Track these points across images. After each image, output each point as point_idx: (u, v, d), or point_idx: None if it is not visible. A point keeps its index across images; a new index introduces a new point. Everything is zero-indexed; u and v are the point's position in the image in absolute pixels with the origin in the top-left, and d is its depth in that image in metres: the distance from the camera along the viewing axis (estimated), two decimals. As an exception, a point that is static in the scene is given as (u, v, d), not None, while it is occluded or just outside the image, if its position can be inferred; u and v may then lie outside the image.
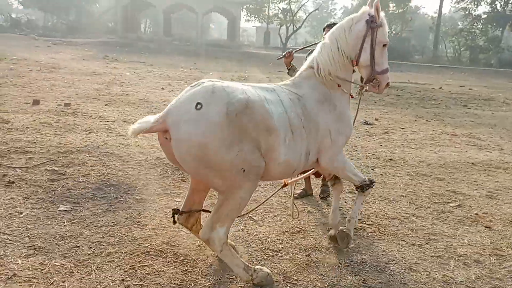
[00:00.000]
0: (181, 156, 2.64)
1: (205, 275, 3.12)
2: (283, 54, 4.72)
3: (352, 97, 3.42)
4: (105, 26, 47.93)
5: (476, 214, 4.63)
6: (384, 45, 3.22)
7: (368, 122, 9.63)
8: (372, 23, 3.16)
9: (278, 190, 4.20)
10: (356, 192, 3.60)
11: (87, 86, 11.50)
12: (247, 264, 2.95)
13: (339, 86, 3.28)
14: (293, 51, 4.73)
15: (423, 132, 9.06)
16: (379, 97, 14.12)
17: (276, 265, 3.33)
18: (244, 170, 2.63)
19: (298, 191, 4.91)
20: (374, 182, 3.51)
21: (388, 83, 3.31)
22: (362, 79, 3.38)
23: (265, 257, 3.43)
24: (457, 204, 4.90)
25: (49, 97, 9.32)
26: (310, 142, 3.06)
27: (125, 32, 38.78)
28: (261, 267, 3.02)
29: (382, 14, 3.22)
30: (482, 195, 5.25)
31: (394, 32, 52.90)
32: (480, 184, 5.67)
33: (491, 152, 7.63)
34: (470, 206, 4.86)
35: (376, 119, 10.13)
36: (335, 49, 3.22)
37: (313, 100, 3.15)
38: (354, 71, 3.39)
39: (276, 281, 3.10)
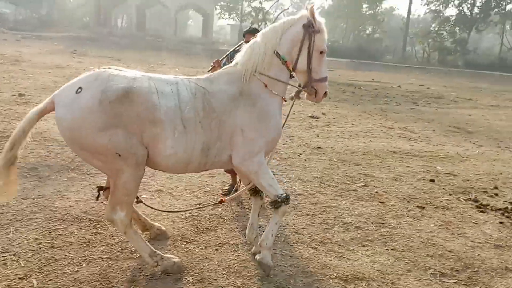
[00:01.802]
0: (61, 136, 2.87)
1: (112, 236, 3.60)
2: (212, 65, 4.66)
3: (285, 100, 3.27)
4: (78, 21, 47.59)
5: (376, 192, 5.24)
6: (321, 52, 3.16)
7: (314, 116, 10.23)
8: (309, 28, 3.10)
9: (214, 204, 4.24)
10: (270, 208, 3.28)
11: (46, 79, 11.75)
12: (154, 250, 3.09)
13: (266, 86, 3.15)
14: (221, 60, 4.76)
15: (362, 125, 9.70)
16: (334, 94, 14.77)
17: (179, 229, 3.84)
18: (119, 155, 2.74)
19: (226, 187, 4.86)
20: (289, 198, 3.20)
21: (325, 92, 3.24)
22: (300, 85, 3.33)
23: (171, 223, 3.93)
24: (363, 184, 5.50)
25: (5, 88, 9.59)
26: (209, 138, 2.97)
27: (97, 27, 38.68)
28: (170, 256, 3.17)
29: (321, 20, 3.18)
30: (389, 177, 5.88)
31: (367, 32, 54.22)
32: (392, 169, 6.30)
33: (418, 143, 8.32)
34: (374, 186, 5.47)
35: (323, 113, 10.74)
36: (263, 48, 3.13)
37: (224, 95, 3.05)
38: (292, 76, 3.30)
39: (174, 241, 3.61)
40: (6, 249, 3.23)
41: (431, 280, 3.37)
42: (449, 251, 3.85)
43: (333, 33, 57.49)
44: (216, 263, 3.34)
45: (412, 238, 4.06)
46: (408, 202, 5.01)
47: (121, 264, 3.18)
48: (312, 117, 10.12)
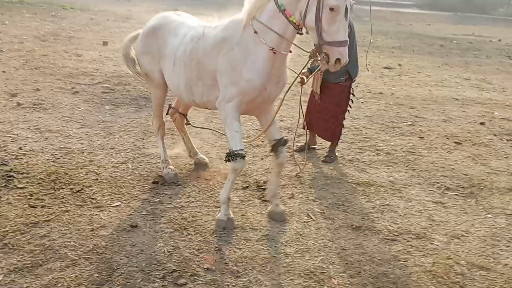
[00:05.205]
0: None
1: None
2: None
3: (275, 52, 2.95)
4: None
5: (420, 130, 5.76)
6: (331, 10, 2.66)
7: (389, 67, 10.47)
8: None
9: (250, 140, 4.32)
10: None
11: (149, 33, 13.42)
12: (166, 158, 3.98)
13: (255, 32, 2.96)
14: None
15: (436, 76, 9.78)
16: (420, 47, 14.54)
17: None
18: (146, 75, 3.79)
19: (299, 144, 4.87)
20: (239, 157, 3.08)
21: (338, 60, 2.74)
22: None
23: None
24: (410, 123, 6.03)
25: (116, 40, 11.32)
26: (189, 77, 3.35)
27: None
28: (171, 167, 3.93)
29: None
30: (439, 119, 6.29)
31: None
32: (446, 113, 6.65)
33: (489, 93, 8.32)
34: (420, 125, 5.97)
35: (399, 65, 10.90)
36: None
37: (211, 40, 3.19)
38: (300, 33, 2.95)
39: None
40: (112, 147, 4.57)
41: (435, 191, 4.02)
42: (464, 174, 4.41)
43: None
44: (258, 166, 4.34)
45: (434, 164, 4.65)
46: (447, 139, 5.48)
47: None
48: (386, 67, 10.39)
